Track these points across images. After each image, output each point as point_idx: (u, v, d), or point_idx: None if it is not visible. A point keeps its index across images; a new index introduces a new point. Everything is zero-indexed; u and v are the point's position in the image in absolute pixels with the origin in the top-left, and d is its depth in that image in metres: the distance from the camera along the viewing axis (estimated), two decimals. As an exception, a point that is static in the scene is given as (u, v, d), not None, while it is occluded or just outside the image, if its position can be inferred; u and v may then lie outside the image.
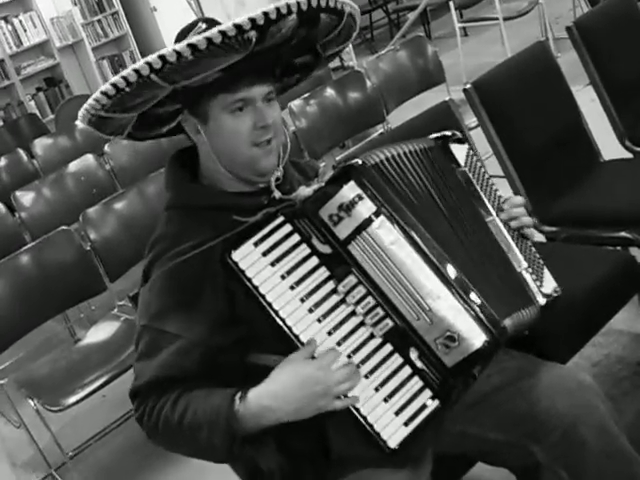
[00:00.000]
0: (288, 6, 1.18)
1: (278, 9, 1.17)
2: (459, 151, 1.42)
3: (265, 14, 1.16)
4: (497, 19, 5.34)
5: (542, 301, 1.36)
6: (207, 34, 1.13)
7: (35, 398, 2.58)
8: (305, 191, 1.29)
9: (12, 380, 2.79)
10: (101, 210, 3.15)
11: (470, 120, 2.49)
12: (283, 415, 1.19)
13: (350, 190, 1.22)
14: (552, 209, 2.25)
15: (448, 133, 1.44)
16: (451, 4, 5.46)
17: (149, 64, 1.15)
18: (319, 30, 1.31)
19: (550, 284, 1.41)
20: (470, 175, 1.41)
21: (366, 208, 1.22)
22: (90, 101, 1.24)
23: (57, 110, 6.52)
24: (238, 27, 1.15)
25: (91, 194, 3.86)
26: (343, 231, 1.22)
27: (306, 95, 3.64)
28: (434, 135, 1.42)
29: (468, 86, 2.23)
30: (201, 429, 1.20)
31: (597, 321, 1.91)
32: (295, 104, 3.58)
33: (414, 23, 6.79)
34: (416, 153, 1.34)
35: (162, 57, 1.14)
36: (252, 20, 1.15)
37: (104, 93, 1.19)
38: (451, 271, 1.25)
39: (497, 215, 1.40)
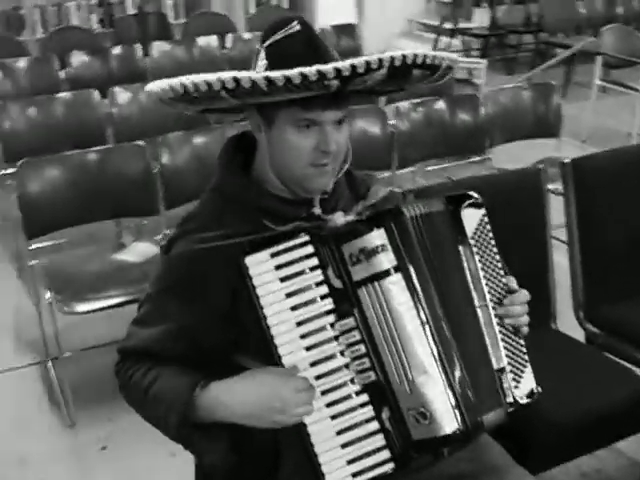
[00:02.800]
0: (380, 61, 1.14)
1: (368, 63, 1.13)
2: (471, 218, 1.37)
3: (353, 67, 1.13)
4: (638, 90, 5.18)
5: (510, 402, 1.34)
6: (287, 73, 1.11)
7: (53, 291, 2.68)
8: (339, 220, 1.29)
9: (42, 265, 2.89)
10: (181, 138, 3.20)
11: (557, 185, 2.42)
12: (234, 415, 1.22)
13: (377, 237, 1.21)
14: (603, 311, 2.21)
15: (464, 194, 1.38)
16: (598, 59, 5.30)
17: (222, 82, 1.15)
18: (408, 81, 1.28)
19: (528, 385, 1.38)
20: (475, 250, 1.36)
21: (387, 260, 1.21)
22: (157, 88, 1.25)
23: (187, 19, 6.59)
24: (321, 74, 1.12)
25: (183, 116, 3.92)
26: (358, 273, 1.22)
27: (417, 100, 3.60)
28: (448, 194, 1.37)
29: (567, 161, 2.19)
30: (161, 404, 1.25)
31: (594, 443, 1.89)
32: (403, 105, 3.56)
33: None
34: (428, 216, 1.30)
35: (236, 80, 1.14)
36: (337, 70, 1.12)
37: (172, 88, 1.20)
38: (447, 352, 1.24)
39: (490, 300, 1.36)
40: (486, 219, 1.38)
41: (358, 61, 1.13)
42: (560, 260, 2.26)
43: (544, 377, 1.41)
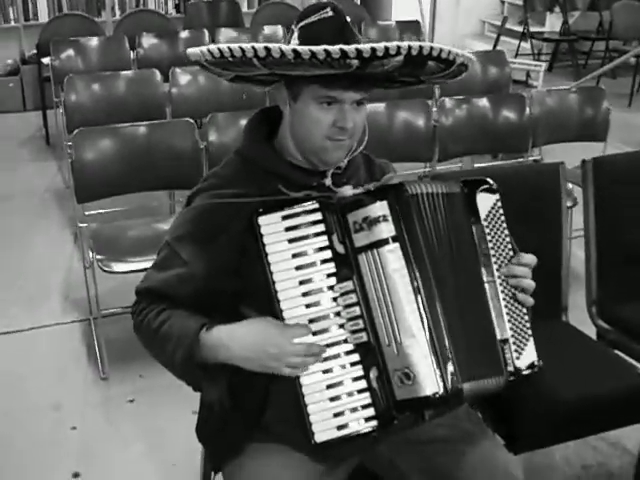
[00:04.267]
0: (398, 48, 1.21)
1: (387, 49, 1.21)
2: (485, 201, 1.43)
3: (373, 50, 1.20)
4: None
5: (511, 371, 1.39)
6: (313, 48, 1.20)
7: (96, 252, 2.82)
8: (347, 192, 1.37)
9: (91, 229, 3.05)
10: (229, 118, 3.32)
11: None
12: (233, 357, 1.30)
13: (380, 208, 1.28)
14: (616, 309, 2.23)
15: (481, 180, 1.44)
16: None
17: (254, 49, 1.23)
18: (424, 71, 1.36)
19: (529, 358, 1.42)
20: (487, 230, 1.42)
21: (387, 229, 1.28)
22: (197, 50, 1.34)
23: (258, 8, 6.68)
24: (343, 52, 1.20)
25: (240, 97, 4.04)
26: (360, 240, 1.29)
27: (461, 97, 3.65)
28: (464, 179, 1.44)
29: (588, 159, 2.21)
30: (169, 341, 1.33)
31: (586, 429, 1.91)
32: (447, 100, 3.61)
33: (626, 68, 6.48)
34: (443, 196, 1.37)
35: (267, 49, 1.22)
36: (358, 51, 1.20)
37: (210, 52, 1.28)
38: (435, 319, 1.29)
39: (499, 277, 1.41)
40: (499, 204, 1.43)
41: (378, 45, 1.21)
42: (579, 253, 2.28)
43: (548, 363, 1.46)
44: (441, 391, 1.25)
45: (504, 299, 1.41)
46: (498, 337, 1.39)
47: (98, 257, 2.78)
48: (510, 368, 1.39)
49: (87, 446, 2.47)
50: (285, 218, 1.29)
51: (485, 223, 1.42)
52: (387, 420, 1.28)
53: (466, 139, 3.60)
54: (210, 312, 1.36)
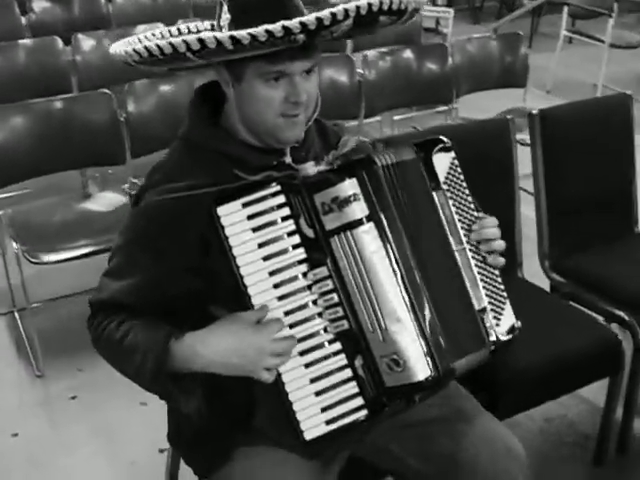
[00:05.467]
0: (346, 12, 1.12)
1: (334, 15, 1.12)
2: (442, 162, 1.38)
3: (319, 20, 1.12)
4: (603, 42, 5.19)
5: (493, 340, 1.37)
6: (252, 31, 1.10)
7: (19, 243, 2.63)
8: (310, 169, 1.28)
9: (7, 216, 2.84)
10: (147, 86, 3.14)
11: (524, 135, 2.43)
12: (209, 365, 1.22)
13: (350, 187, 1.21)
14: (568, 261, 2.24)
15: (433, 140, 1.39)
16: (564, 10, 5.29)
17: (187, 44, 1.14)
18: (375, 28, 1.27)
19: (508, 321, 1.40)
20: (448, 194, 1.37)
21: (360, 209, 1.21)
22: (121, 51, 1.24)
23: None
24: (286, 29, 1.11)
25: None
26: (330, 223, 1.22)
27: (384, 50, 3.58)
28: (415, 142, 1.37)
29: (535, 112, 2.19)
30: (136, 353, 1.23)
31: (559, 389, 1.92)
32: (371, 54, 3.53)
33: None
34: (404, 165, 1.31)
35: (201, 41, 1.13)
36: (303, 24, 1.11)
37: (137, 52, 1.19)
38: (419, 299, 1.25)
39: (467, 242, 1.37)
40: (456, 162, 1.39)
41: (323, 14, 1.11)
42: (527, 212, 2.27)
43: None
44: (433, 374, 1.22)
45: (476, 265, 1.37)
46: (476, 307, 1.35)
47: (23, 248, 2.58)
48: (492, 337, 1.36)
49: (33, 453, 2.31)
50: (246, 205, 1.21)
51: (445, 187, 1.37)
52: (377, 408, 1.24)
53: (391, 93, 3.54)
54: (176, 317, 1.27)
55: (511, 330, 1.40)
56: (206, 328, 1.24)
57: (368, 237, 1.22)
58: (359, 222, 1.21)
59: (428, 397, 1.34)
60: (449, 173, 1.38)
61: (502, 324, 1.39)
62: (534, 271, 2.28)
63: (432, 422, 1.42)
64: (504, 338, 1.38)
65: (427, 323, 1.24)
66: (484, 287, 1.38)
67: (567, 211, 2.24)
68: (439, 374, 1.23)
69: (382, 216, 1.23)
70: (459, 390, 1.51)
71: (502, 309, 1.40)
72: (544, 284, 2.25)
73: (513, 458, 1.37)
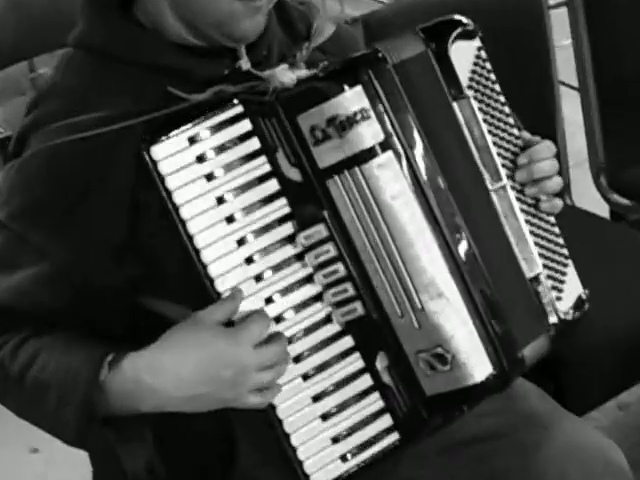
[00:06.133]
0: None
1: None
2: (463, 56, 1.34)
3: None
4: None
5: (554, 322, 1.37)
6: None
7: None
8: (286, 75, 1.23)
9: None
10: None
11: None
12: (167, 403, 1.18)
13: (354, 98, 1.17)
14: (633, 175, 2.25)
15: (448, 22, 1.36)
16: None
17: None
18: None
19: (573, 292, 1.41)
20: (474, 105, 1.35)
21: (371, 133, 1.17)
22: None
23: None
24: None
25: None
26: (326, 157, 1.18)
27: None
28: (424, 26, 1.33)
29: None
30: (48, 391, 1.19)
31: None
32: None
33: None
34: (413, 63, 1.29)
35: None
36: None
37: None
38: (469, 263, 1.25)
39: (508, 177, 1.36)
40: (483, 54, 1.36)
41: None
42: (569, 114, 2.26)
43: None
44: (497, 370, 1.22)
45: (523, 211, 1.36)
46: (527, 275, 1.34)
47: None
48: (553, 318, 1.36)
49: None
50: (193, 140, 1.18)
51: (471, 93, 1.34)
52: (414, 427, 1.26)
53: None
54: (102, 326, 1.25)
55: (578, 305, 1.40)
56: (153, 345, 1.19)
57: (386, 174, 1.19)
58: (371, 152, 1.18)
59: (477, 404, 1.33)
60: (474, 72, 1.35)
61: (565, 297, 1.39)
62: (583, 191, 2.30)
63: (487, 438, 1.41)
64: (569, 317, 1.38)
65: (482, 297, 1.23)
66: (536, 244, 1.37)
67: (626, 101, 2.24)
68: (504, 370, 1.23)
69: (403, 141, 1.20)
70: (524, 385, 1.49)
71: (563, 274, 1.40)
72: (601, 210, 2.27)
73: (613, 475, 1.37)
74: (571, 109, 2.31)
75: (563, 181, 1.38)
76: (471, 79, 1.35)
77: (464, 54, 1.35)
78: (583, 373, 1.76)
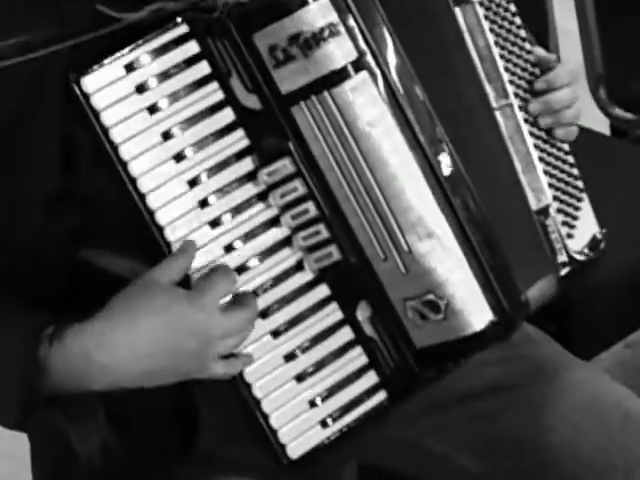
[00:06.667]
0: None
1: None
2: None
3: None
4: None
5: (563, 261, 1.33)
6: None
7: None
8: None
9: None
10: None
11: None
12: (122, 378, 1.11)
13: (320, 12, 1.08)
14: (635, 86, 2.21)
15: None
16: None
17: None
18: None
19: (587, 230, 1.36)
20: (479, 10, 1.29)
21: (342, 51, 1.09)
22: None
23: None
24: None
25: None
26: (289, 80, 1.10)
27: None
28: None
29: None
30: None
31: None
32: None
33: None
34: None
35: None
36: None
37: None
38: (460, 193, 1.17)
39: (515, 95, 1.31)
40: None
41: None
42: (564, 25, 2.20)
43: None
44: (498, 317, 1.15)
45: (532, 135, 1.31)
46: (533, 207, 1.30)
47: None
48: (562, 256, 1.31)
49: None
50: (130, 68, 1.10)
51: None
52: (404, 384, 1.21)
53: None
54: (38, 287, 1.18)
55: (592, 244, 1.36)
56: (100, 314, 1.11)
57: (361, 98, 1.10)
58: (342, 74, 1.10)
59: (475, 354, 1.30)
60: None
61: (577, 235, 1.34)
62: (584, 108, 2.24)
63: (488, 392, 1.35)
64: (581, 257, 1.33)
65: (478, 232, 1.16)
66: (546, 171, 1.32)
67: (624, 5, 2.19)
68: (506, 316, 1.16)
69: (381, 58, 1.12)
70: (525, 329, 1.43)
71: (577, 210, 1.35)
72: (600, 126, 2.23)
73: (633, 429, 1.32)
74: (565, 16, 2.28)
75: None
76: None
77: None
78: (590, 313, 1.74)
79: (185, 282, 1.11)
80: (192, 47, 1.12)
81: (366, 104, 1.11)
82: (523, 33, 1.33)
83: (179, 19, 1.11)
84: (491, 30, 1.29)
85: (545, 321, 1.48)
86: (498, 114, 1.28)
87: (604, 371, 1.56)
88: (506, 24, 1.32)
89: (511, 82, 1.30)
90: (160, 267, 1.10)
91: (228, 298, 1.13)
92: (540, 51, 1.34)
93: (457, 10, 1.26)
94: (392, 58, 1.14)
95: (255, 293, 1.15)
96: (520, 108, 1.31)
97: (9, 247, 1.17)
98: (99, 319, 1.10)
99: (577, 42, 2.25)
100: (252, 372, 1.15)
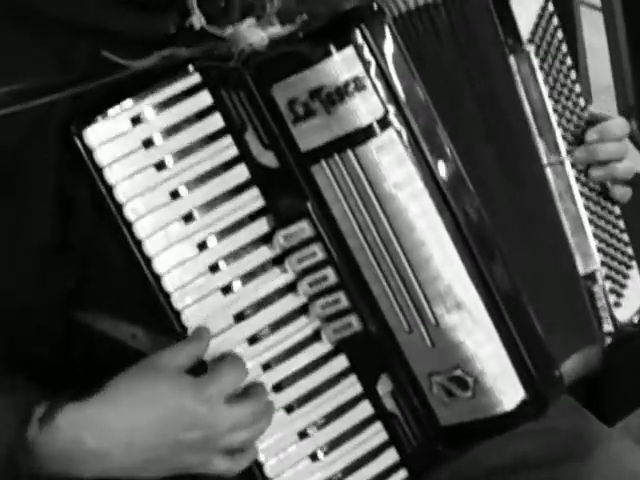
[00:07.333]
0: None
1: None
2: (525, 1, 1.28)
3: None
4: None
5: (609, 331, 1.30)
6: None
7: None
8: (255, 34, 1.13)
9: None
10: None
11: None
12: (115, 467, 1.07)
13: (345, 64, 1.05)
14: None
15: None
16: None
17: None
18: None
19: (636, 298, 1.34)
20: (535, 62, 1.27)
21: (367, 107, 1.06)
22: None
23: None
24: None
25: None
26: (310, 137, 1.08)
27: None
28: None
29: None
30: None
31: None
32: None
33: None
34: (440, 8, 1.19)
35: None
36: None
37: None
38: (493, 263, 1.13)
39: (568, 152, 1.28)
40: (550, 6, 1.30)
41: None
42: (593, 40, 2.17)
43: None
44: (529, 396, 1.13)
45: (582, 194, 1.29)
46: (581, 271, 1.27)
47: None
48: (608, 326, 1.28)
49: None
50: (137, 120, 1.08)
51: (532, 48, 1.26)
52: (426, 463, 1.19)
53: None
54: (30, 354, 1.14)
55: None
56: (97, 395, 1.07)
57: (387, 158, 1.07)
58: (368, 132, 1.07)
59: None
60: (538, 23, 1.29)
61: (625, 302, 1.31)
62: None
63: (518, 467, 1.31)
64: (628, 328, 1.32)
65: (511, 305, 1.14)
66: (595, 234, 1.29)
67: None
68: (538, 395, 1.13)
69: (411, 116, 1.09)
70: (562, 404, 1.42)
71: (625, 278, 1.32)
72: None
73: None
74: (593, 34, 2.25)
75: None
76: (533, 32, 1.30)
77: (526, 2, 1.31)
78: (623, 375, 1.69)
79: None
80: (205, 98, 1.09)
81: (392, 164, 1.08)
82: (578, 88, 1.31)
83: (191, 67, 1.09)
84: (545, 82, 1.28)
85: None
86: (548, 170, 1.26)
87: (633, 438, 1.49)
88: (561, 78, 1.30)
89: (563, 138, 1.28)
90: (170, 351, 1.06)
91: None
92: (594, 109, 1.32)
93: (511, 58, 1.25)
94: (424, 115, 1.12)
95: (268, 365, 1.11)
96: (572, 166, 1.29)
97: (4, 307, 1.13)
98: (96, 400, 1.07)
99: (602, 59, 2.24)
100: (264, 450, 1.11)
